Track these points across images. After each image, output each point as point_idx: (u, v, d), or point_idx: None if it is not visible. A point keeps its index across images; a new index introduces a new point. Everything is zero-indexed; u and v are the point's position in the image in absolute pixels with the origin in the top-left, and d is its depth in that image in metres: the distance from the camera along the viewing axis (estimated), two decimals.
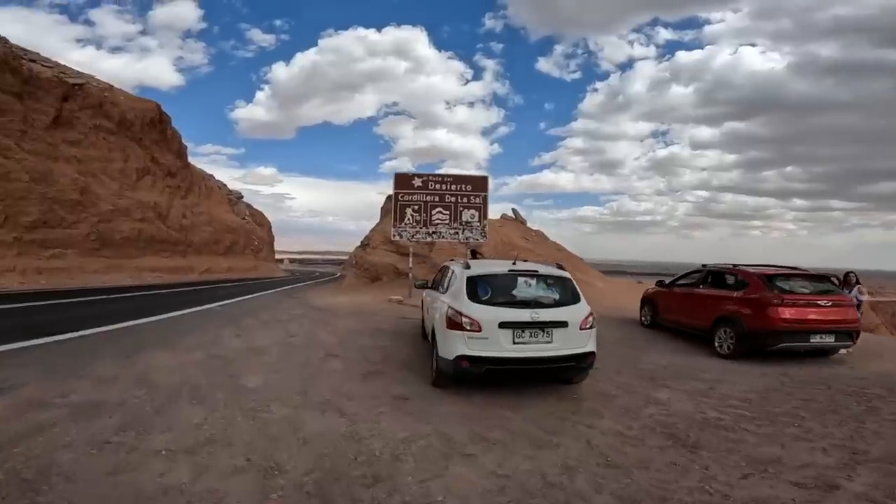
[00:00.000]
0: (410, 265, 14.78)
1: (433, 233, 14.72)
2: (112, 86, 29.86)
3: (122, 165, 27.84)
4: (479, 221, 14.98)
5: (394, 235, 14.66)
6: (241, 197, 52.63)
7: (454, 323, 4.58)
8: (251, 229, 51.30)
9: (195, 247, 36.82)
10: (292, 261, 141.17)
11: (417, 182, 14.75)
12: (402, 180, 14.77)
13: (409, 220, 14.56)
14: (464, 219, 14.88)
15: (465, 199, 14.93)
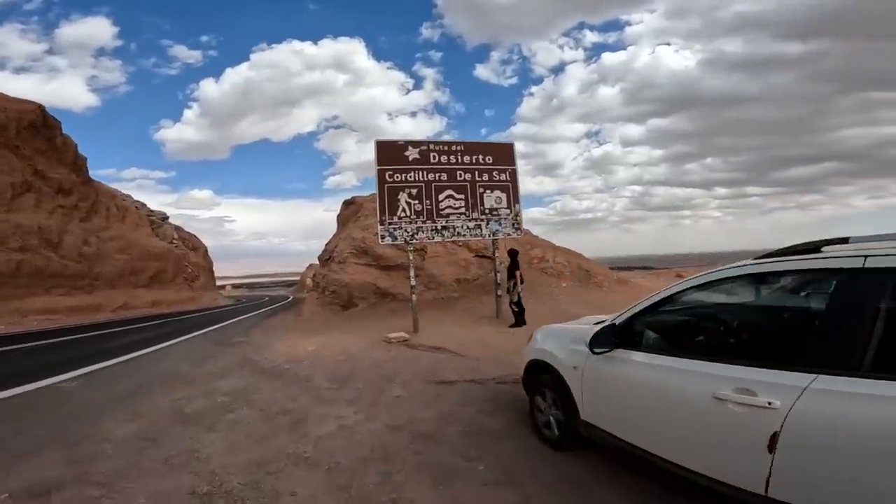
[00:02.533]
0: (413, 282, 9.71)
1: (444, 228, 9.75)
2: None
3: None
4: (510, 207, 10.20)
5: (382, 236, 9.54)
6: (167, 218, 45.08)
7: None
8: (182, 255, 43.83)
9: (105, 279, 29.65)
10: (238, 286, 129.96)
11: (413, 153, 9.78)
12: (388, 152, 9.76)
13: (404, 211, 9.54)
14: (486, 204, 10.04)
15: (484, 177, 10.12)
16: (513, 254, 9.76)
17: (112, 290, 30.05)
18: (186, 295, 40.82)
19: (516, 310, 9.54)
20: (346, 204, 24.45)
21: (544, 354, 3.41)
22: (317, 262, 24.64)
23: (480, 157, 10.14)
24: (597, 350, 2.63)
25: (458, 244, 15.13)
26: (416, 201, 9.58)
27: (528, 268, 13.37)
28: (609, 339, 2.62)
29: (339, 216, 25.01)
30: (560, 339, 3.31)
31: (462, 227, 9.79)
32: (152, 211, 43.92)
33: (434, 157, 9.84)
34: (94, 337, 13.06)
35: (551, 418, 3.33)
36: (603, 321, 2.91)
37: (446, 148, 10.00)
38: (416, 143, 9.89)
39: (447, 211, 9.73)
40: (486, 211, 9.98)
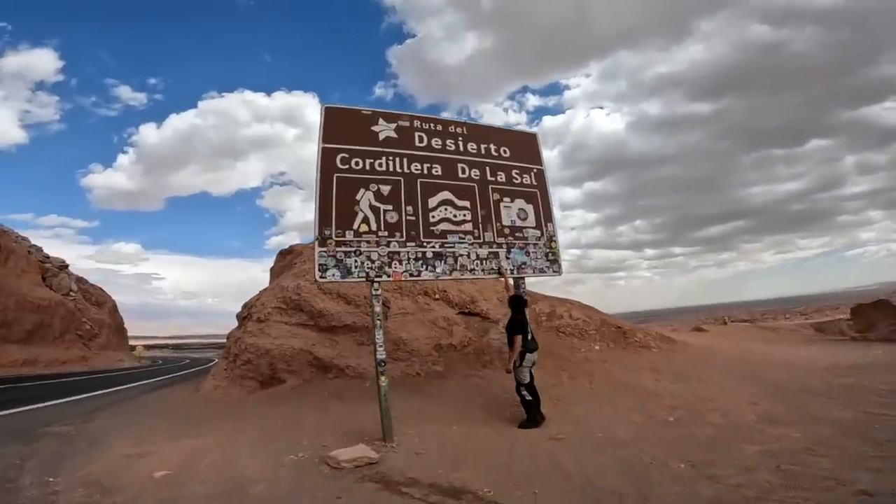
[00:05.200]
0: (382, 353, 5.35)
1: (437, 256, 5.60)
2: None
3: None
4: (540, 227, 6.28)
5: (323, 267, 5.20)
6: (66, 266, 37.74)
7: None
8: (80, 309, 36.25)
9: None
10: (161, 346, 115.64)
11: (386, 130, 5.79)
12: (344, 124, 5.70)
13: (366, 222, 5.37)
14: (505, 220, 6.08)
15: (500, 176, 6.24)
16: (516, 303, 5.56)
17: None
18: (77, 354, 33.05)
19: (528, 398, 5.40)
20: (283, 254, 19.56)
21: None
22: None
23: (492, 146, 6.31)
24: None
25: (432, 297, 10.93)
26: (390, 206, 5.46)
27: (537, 328, 9.36)
28: None
29: (272, 269, 20.06)
30: None
31: (468, 255, 5.67)
32: (48, 257, 36.59)
33: (421, 140, 5.90)
34: None
35: None
36: None
37: (440, 128, 6.09)
38: (391, 116, 5.93)
39: (442, 227, 5.65)
40: (506, 231, 5.99)
